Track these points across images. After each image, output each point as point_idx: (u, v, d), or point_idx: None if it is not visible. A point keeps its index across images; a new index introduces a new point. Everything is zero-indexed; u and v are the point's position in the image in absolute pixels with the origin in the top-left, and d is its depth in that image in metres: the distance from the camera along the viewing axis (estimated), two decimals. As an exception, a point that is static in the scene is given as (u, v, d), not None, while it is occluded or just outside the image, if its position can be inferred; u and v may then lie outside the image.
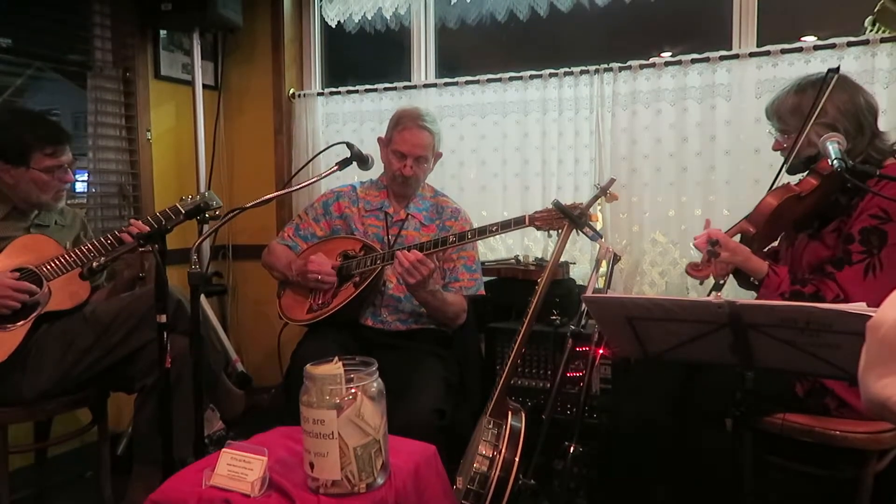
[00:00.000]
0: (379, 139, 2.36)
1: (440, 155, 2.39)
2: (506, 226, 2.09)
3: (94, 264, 1.81)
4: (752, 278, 1.72)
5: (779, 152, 1.83)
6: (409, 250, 2.10)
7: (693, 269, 1.68)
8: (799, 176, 1.75)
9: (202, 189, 3.13)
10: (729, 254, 1.64)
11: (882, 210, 1.60)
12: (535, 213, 2.05)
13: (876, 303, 1.56)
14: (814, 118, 1.67)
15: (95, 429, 2.23)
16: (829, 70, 1.68)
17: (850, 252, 1.63)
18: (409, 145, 2.23)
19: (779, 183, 1.74)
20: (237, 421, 2.51)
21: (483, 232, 2.12)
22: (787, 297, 1.65)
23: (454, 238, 2.12)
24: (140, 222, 2.05)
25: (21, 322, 1.91)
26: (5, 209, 2.05)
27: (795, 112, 1.73)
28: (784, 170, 1.76)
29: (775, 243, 1.89)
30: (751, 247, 1.69)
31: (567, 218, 1.94)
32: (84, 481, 2.54)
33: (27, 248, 1.99)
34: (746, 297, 1.93)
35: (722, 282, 1.78)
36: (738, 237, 1.71)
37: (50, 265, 1.98)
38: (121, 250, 1.94)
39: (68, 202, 2.50)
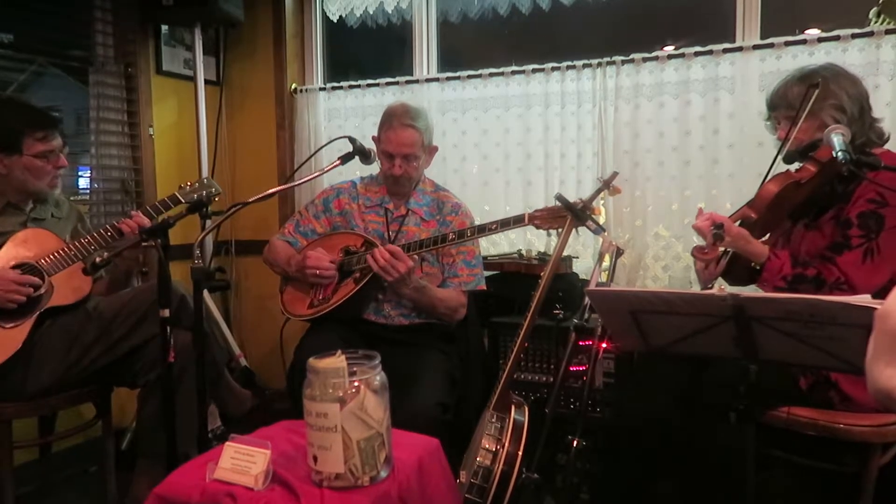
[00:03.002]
0: (373, 137, 2.35)
1: (435, 149, 2.38)
2: (505, 224, 2.08)
3: (98, 259, 1.80)
4: (752, 263, 1.74)
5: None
6: (408, 246, 2.11)
7: (699, 252, 1.71)
8: (797, 165, 1.77)
9: (204, 185, 3.14)
10: (731, 238, 1.68)
11: (879, 194, 1.62)
12: (535, 211, 2.05)
13: (875, 286, 1.57)
14: (826, 104, 1.72)
15: (99, 424, 2.24)
16: (810, 86, 1.72)
17: (849, 237, 1.65)
18: (394, 145, 2.22)
19: (775, 170, 1.76)
20: (239, 420, 2.50)
21: (482, 230, 2.12)
22: (789, 279, 1.67)
23: (454, 236, 2.12)
24: (140, 213, 2.05)
25: (24, 319, 1.90)
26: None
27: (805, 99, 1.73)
28: (780, 158, 1.77)
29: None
30: (752, 232, 1.72)
31: (570, 212, 1.94)
32: (88, 476, 2.55)
33: (27, 242, 1.98)
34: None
35: (710, 286, 1.80)
36: (738, 223, 1.73)
37: (50, 259, 1.96)
38: (123, 245, 1.93)
39: (71, 199, 2.50)
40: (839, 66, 1.84)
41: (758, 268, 1.72)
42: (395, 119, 2.24)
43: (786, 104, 1.80)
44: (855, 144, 1.68)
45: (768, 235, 1.86)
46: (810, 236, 1.76)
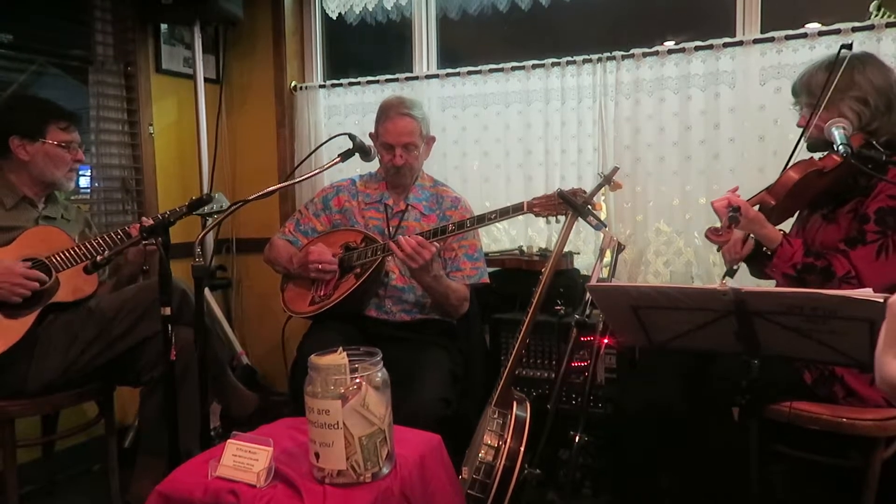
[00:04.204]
0: (370, 134, 2.35)
1: (433, 139, 2.37)
2: (504, 213, 2.08)
3: (99, 258, 1.82)
4: (764, 248, 1.72)
5: (791, 136, 1.82)
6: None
7: (713, 234, 1.69)
8: (820, 154, 1.73)
9: (205, 184, 3.13)
10: (747, 222, 1.66)
11: None
12: (534, 199, 2.05)
13: (885, 284, 1.56)
14: (848, 94, 1.66)
15: (102, 422, 2.25)
16: (842, 45, 1.67)
17: (864, 232, 1.62)
18: (393, 135, 2.23)
19: (796, 158, 1.73)
20: (243, 421, 2.48)
21: (482, 220, 2.12)
22: (798, 268, 1.65)
23: (453, 227, 2.12)
24: (151, 220, 2.07)
25: (28, 312, 1.92)
26: (14, 199, 2.06)
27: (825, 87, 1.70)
28: (805, 146, 1.74)
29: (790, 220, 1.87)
30: (768, 219, 1.70)
31: (571, 207, 1.93)
32: (92, 475, 2.56)
33: (39, 238, 2.02)
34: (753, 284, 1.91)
35: (735, 267, 1.78)
36: (756, 207, 1.71)
37: (59, 256, 1.99)
38: (125, 244, 1.95)
39: (72, 197, 2.52)
40: (872, 54, 1.76)
41: (769, 253, 1.70)
42: (391, 110, 2.25)
43: (807, 91, 1.76)
44: (880, 140, 1.63)
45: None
46: (827, 227, 1.74)
